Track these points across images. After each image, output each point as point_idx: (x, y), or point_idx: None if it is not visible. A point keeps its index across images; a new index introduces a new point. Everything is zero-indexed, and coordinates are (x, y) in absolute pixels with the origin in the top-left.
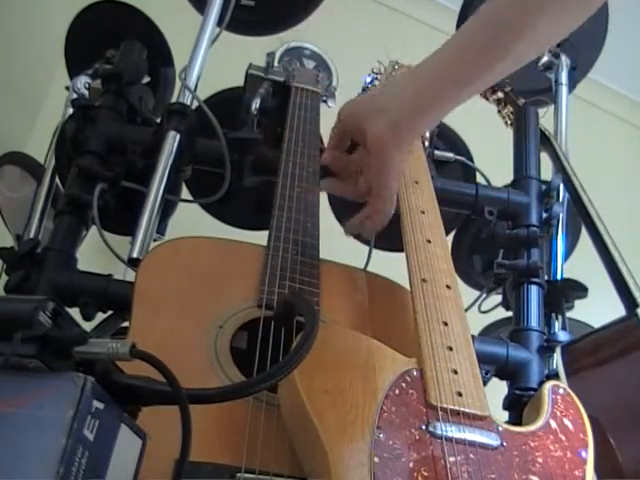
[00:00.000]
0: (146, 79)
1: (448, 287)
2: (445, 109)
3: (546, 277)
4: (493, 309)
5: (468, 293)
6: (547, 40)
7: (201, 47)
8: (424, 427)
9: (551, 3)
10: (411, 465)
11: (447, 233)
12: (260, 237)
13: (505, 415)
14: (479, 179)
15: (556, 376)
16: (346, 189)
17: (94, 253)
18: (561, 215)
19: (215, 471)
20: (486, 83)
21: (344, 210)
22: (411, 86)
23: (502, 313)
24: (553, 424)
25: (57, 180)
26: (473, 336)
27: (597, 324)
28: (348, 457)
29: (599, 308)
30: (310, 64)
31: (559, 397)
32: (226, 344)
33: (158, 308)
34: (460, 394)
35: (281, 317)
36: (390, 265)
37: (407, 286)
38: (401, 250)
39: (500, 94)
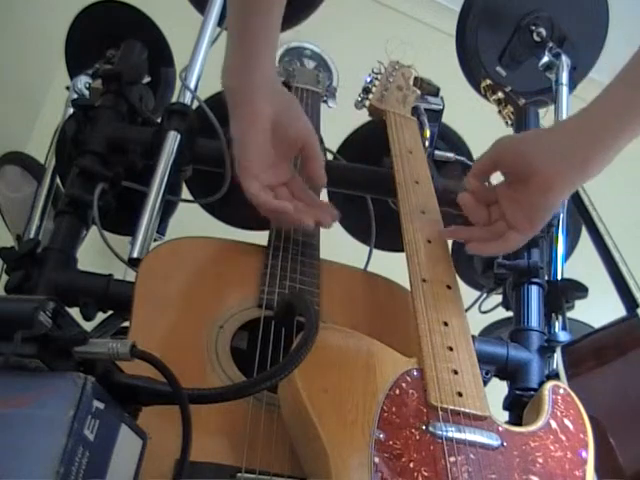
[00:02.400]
0: (146, 79)
1: (448, 287)
2: (622, 146)
3: (546, 277)
4: (493, 309)
5: (468, 293)
6: None
7: (201, 47)
8: (424, 427)
9: None
10: (411, 465)
11: None
12: (260, 237)
13: (505, 415)
14: None
15: (556, 376)
16: (478, 211)
17: (94, 253)
18: (561, 215)
19: (215, 471)
20: None
21: (345, 210)
22: (586, 127)
23: (502, 313)
24: (553, 424)
25: (57, 180)
26: (473, 336)
27: (597, 324)
28: (348, 457)
29: (599, 308)
30: (310, 64)
31: (559, 397)
32: (226, 344)
33: (158, 308)
34: (460, 394)
35: (281, 317)
36: (390, 265)
37: (407, 286)
38: (401, 250)
39: (500, 94)
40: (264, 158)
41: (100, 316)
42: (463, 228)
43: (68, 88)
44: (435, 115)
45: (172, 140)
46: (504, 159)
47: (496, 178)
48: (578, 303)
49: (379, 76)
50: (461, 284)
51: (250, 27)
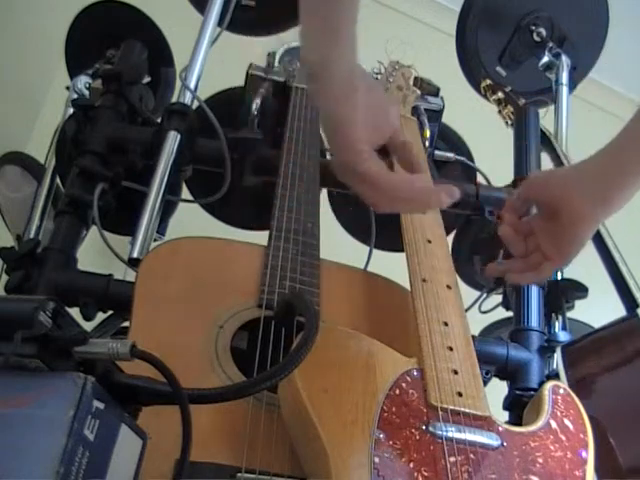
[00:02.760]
0: (146, 79)
1: (448, 287)
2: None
3: None
4: (493, 309)
5: (468, 293)
6: None
7: (201, 47)
8: (424, 427)
9: None
10: (411, 465)
11: (447, 233)
12: (260, 237)
13: (505, 415)
14: (479, 179)
15: (556, 376)
16: (517, 243)
17: (94, 253)
18: None
19: (215, 471)
20: None
21: (345, 211)
22: (614, 162)
23: (502, 313)
24: (553, 424)
25: (57, 180)
26: (473, 336)
27: (597, 324)
28: (348, 457)
29: (599, 308)
30: None
31: (559, 397)
32: (226, 344)
33: (158, 308)
34: (460, 394)
35: (281, 317)
36: (390, 265)
37: (407, 286)
38: (401, 250)
39: (501, 94)
40: (367, 138)
41: (100, 316)
42: (504, 263)
43: (68, 88)
44: (435, 115)
45: (172, 140)
46: (535, 194)
47: None
48: (578, 303)
49: (379, 76)
50: (461, 284)
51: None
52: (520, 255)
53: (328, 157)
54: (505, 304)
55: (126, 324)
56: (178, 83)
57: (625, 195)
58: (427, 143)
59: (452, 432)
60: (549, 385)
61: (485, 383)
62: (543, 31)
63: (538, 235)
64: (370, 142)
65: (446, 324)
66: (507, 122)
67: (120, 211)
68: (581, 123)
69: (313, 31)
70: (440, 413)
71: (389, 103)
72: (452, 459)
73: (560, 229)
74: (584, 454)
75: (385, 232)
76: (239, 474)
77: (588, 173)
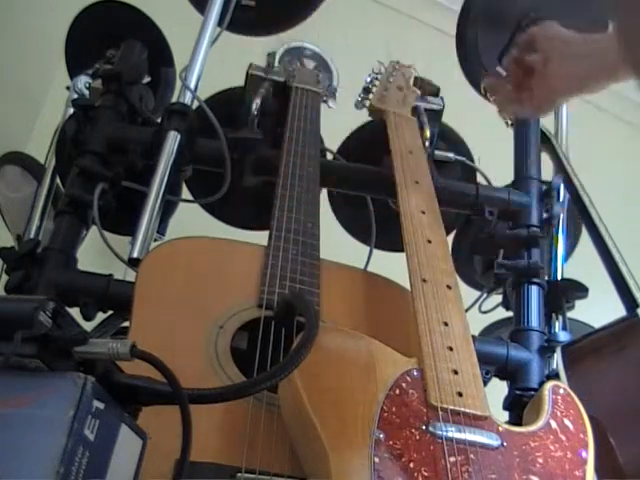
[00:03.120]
0: (146, 79)
1: (448, 287)
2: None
3: (546, 277)
4: (493, 309)
5: (468, 293)
6: None
7: (201, 47)
8: (424, 427)
9: None
10: (411, 465)
11: (447, 233)
12: (260, 237)
13: (505, 415)
14: (479, 179)
15: (556, 376)
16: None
17: (94, 253)
18: (561, 215)
19: (215, 471)
20: None
21: (345, 210)
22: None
23: (502, 313)
24: (553, 424)
25: (57, 180)
26: (473, 336)
27: (597, 324)
28: (348, 457)
29: (599, 308)
30: (310, 64)
31: (559, 397)
32: (226, 344)
33: (158, 308)
34: (460, 394)
35: (281, 317)
36: (390, 265)
37: (407, 286)
38: (401, 250)
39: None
40: None
41: (100, 316)
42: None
43: (68, 88)
44: (435, 115)
45: (172, 140)
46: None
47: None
48: (578, 303)
49: (379, 76)
50: (461, 284)
51: None
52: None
53: (328, 157)
54: (505, 304)
55: (126, 324)
56: (178, 83)
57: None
58: (427, 143)
59: (452, 432)
60: (549, 385)
61: (485, 383)
62: None
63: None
64: None
65: (446, 324)
66: (507, 122)
67: (120, 211)
68: (581, 123)
69: None
70: (440, 413)
71: None
72: (452, 459)
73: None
74: (584, 454)
75: (385, 232)
76: (239, 474)
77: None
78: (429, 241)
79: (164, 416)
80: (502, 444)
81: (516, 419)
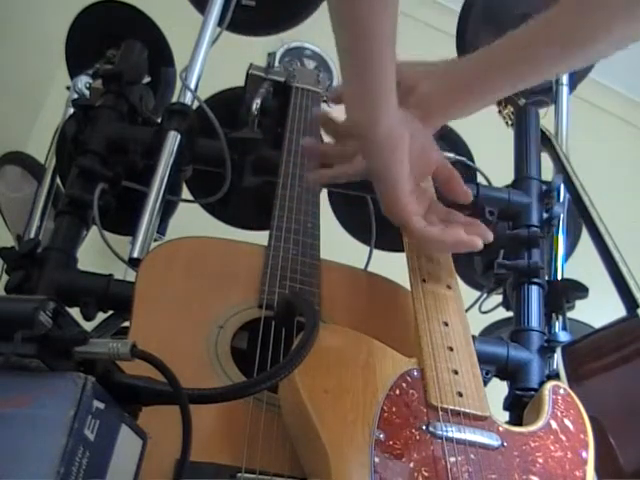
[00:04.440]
0: (147, 79)
1: (448, 287)
2: (479, 98)
3: (547, 277)
4: (494, 309)
5: (469, 293)
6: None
7: (202, 47)
8: (424, 427)
9: (617, 20)
10: (411, 465)
11: None
12: (260, 237)
13: (506, 415)
14: (480, 179)
15: (557, 376)
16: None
17: (94, 253)
18: (562, 215)
19: (216, 471)
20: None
21: (345, 210)
22: (450, 70)
23: (503, 313)
24: (554, 424)
25: (58, 180)
26: (473, 336)
27: (598, 324)
28: (348, 457)
29: (600, 308)
30: (311, 64)
31: (559, 397)
32: (226, 344)
33: (159, 308)
34: (460, 394)
35: (281, 317)
36: (390, 265)
37: (407, 286)
38: (401, 250)
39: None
40: (413, 188)
41: (100, 316)
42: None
43: (68, 88)
44: None
45: (172, 140)
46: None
47: None
48: (578, 303)
49: None
50: (461, 284)
51: (362, 55)
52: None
53: None
54: (505, 304)
55: (126, 324)
56: (178, 83)
57: (467, 98)
58: None
59: (452, 432)
60: (549, 385)
61: (485, 383)
62: None
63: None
64: (414, 185)
65: (446, 324)
66: (507, 122)
67: (120, 211)
68: (581, 123)
69: (356, 96)
70: (440, 413)
71: (431, 146)
72: (452, 459)
73: None
74: (584, 454)
75: (385, 232)
76: (239, 474)
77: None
78: None
79: (164, 416)
80: (502, 444)
81: (516, 419)
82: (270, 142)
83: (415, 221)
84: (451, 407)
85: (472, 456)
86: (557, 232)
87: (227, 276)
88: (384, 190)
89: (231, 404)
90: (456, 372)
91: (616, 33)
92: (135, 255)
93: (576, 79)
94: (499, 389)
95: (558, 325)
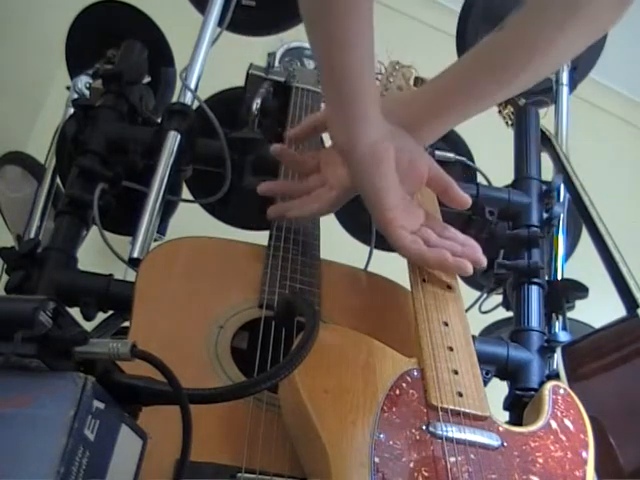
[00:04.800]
0: (147, 79)
1: (449, 287)
2: (452, 119)
3: (547, 277)
4: (494, 309)
5: (468, 293)
6: (562, 58)
7: (202, 47)
8: (424, 427)
9: (570, 24)
10: (411, 465)
11: None
12: (260, 237)
13: (506, 415)
14: (480, 179)
15: (557, 376)
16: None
17: (94, 253)
18: (562, 215)
19: (216, 471)
20: (495, 98)
21: (345, 210)
22: (421, 95)
23: (503, 313)
24: (554, 424)
25: (58, 180)
26: (473, 336)
27: (597, 324)
28: (348, 457)
29: (600, 308)
30: (311, 64)
31: (560, 397)
32: (227, 344)
33: (159, 308)
34: (461, 394)
35: (282, 317)
36: (390, 265)
37: (407, 286)
38: None
39: None
40: (401, 202)
41: (100, 316)
42: (282, 205)
43: (68, 88)
44: None
45: (172, 140)
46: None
47: None
48: (578, 303)
49: (379, 76)
50: (461, 284)
51: (341, 73)
52: (299, 194)
53: None
54: (505, 304)
55: (126, 324)
56: (178, 83)
57: (439, 121)
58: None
59: (452, 432)
60: (549, 385)
61: (485, 383)
62: None
63: (325, 169)
64: (403, 198)
65: (446, 324)
66: (507, 122)
67: (120, 211)
68: (581, 123)
69: (338, 116)
70: (440, 413)
71: (420, 158)
72: (452, 459)
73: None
74: (584, 454)
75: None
76: (239, 474)
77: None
78: None
79: (164, 416)
80: (502, 444)
81: (516, 419)
82: (270, 142)
83: (401, 236)
84: (451, 407)
85: (472, 456)
86: (557, 232)
87: (227, 276)
88: (371, 205)
89: (231, 404)
90: (456, 372)
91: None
92: (135, 255)
93: (576, 79)
94: (499, 389)
95: (558, 325)
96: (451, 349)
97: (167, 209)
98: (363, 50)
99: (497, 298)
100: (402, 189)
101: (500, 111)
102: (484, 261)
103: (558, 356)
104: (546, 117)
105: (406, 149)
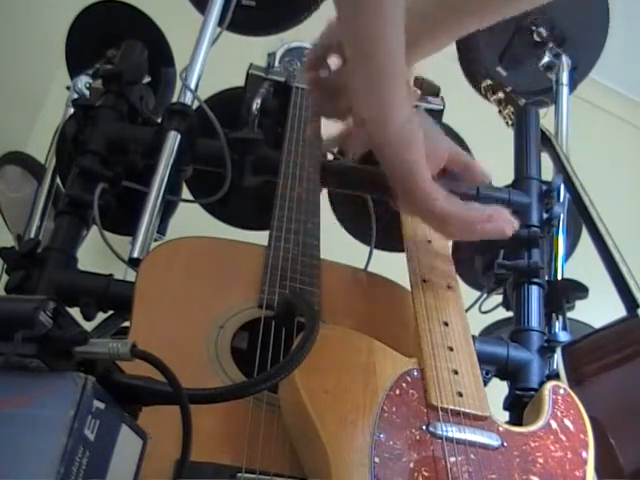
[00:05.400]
0: (147, 79)
1: (449, 287)
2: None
3: (547, 277)
4: (494, 309)
5: (469, 293)
6: None
7: (202, 47)
8: (424, 427)
9: None
10: (412, 465)
11: None
12: (260, 237)
13: (506, 415)
14: None
15: (557, 376)
16: (326, 108)
17: (95, 253)
18: (562, 215)
19: (216, 471)
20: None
21: (345, 210)
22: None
23: (503, 313)
24: (554, 424)
25: (58, 180)
26: (474, 336)
27: (598, 324)
28: (348, 457)
29: (600, 308)
30: None
31: (560, 397)
32: (227, 344)
33: (159, 308)
34: (461, 394)
35: (282, 317)
36: (390, 265)
37: (407, 286)
38: (402, 250)
39: (501, 94)
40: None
41: (100, 316)
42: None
43: (68, 88)
44: (436, 115)
45: (172, 140)
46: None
47: None
48: (579, 303)
49: None
50: (461, 284)
51: (381, 50)
52: (332, 116)
53: (329, 157)
54: (505, 304)
55: (126, 324)
56: (178, 83)
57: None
58: None
59: (452, 432)
60: (549, 385)
61: (485, 383)
62: (543, 31)
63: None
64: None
65: (446, 324)
66: (507, 122)
67: (120, 211)
68: (581, 123)
69: (370, 97)
70: (440, 413)
71: (438, 136)
72: (452, 459)
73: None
74: (584, 454)
75: (385, 232)
76: (239, 474)
77: None
78: (429, 241)
79: (164, 416)
80: (502, 444)
81: (516, 419)
82: (270, 142)
83: (444, 203)
84: (451, 407)
85: (472, 456)
86: (557, 232)
87: (227, 276)
88: (403, 181)
89: (231, 404)
90: (456, 372)
91: None
92: (135, 255)
93: (576, 79)
94: (499, 389)
95: (558, 325)
96: (451, 349)
97: (167, 209)
98: (401, 28)
99: (497, 298)
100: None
101: (500, 111)
102: (516, 223)
103: (558, 356)
104: (546, 117)
105: (429, 130)
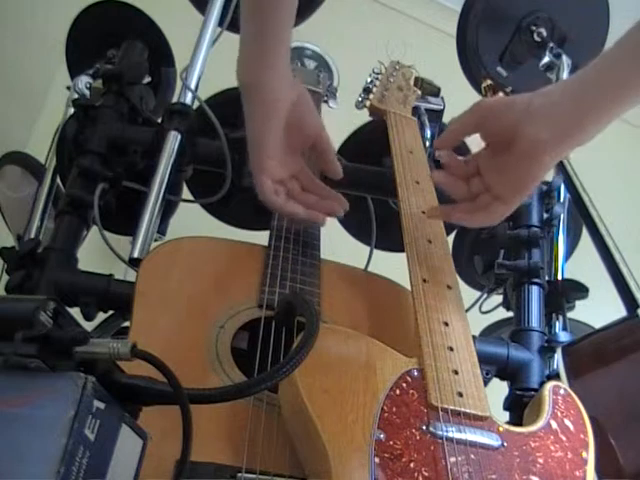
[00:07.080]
0: (147, 79)
1: (449, 287)
2: (619, 114)
3: (547, 277)
4: (494, 309)
5: (469, 293)
6: None
7: (202, 47)
8: (425, 427)
9: None
10: (412, 465)
11: (448, 233)
12: (260, 237)
13: (506, 415)
14: None
15: (557, 377)
16: (456, 187)
17: (95, 253)
18: (562, 215)
19: (216, 471)
20: None
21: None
22: (586, 93)
23: (503, 313)
24: (554, 424)
25: (58, 180)
26: (474, 336)
27: (598, 325)
28: (349, 457)
29: (600, 308)
30: (311, 64)
31: (560, 397)
32: (227, 344)
33: (159, 308)
34: (461, 394)
35: (282, 317)
36: (390, 265)
37: (408, 286)
38: (402, 250)
39: (501, 94)
40: (279, 154)
41: (101, 316)
42: (446, 207)
43: (69, 88)
44: (436, 115)
45: (173, 140)
46: (488, 121)
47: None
48: (579, 303)
49: (380, 76)
50: (461, 284)
51: (262, 22)
52: (462, 199)
53: None
54: (506, 304)
55: (127, 324)
56: (179, 83)
57: (599, 125)
58: (427, 143)
59: (452, 432)
60: (549, 385)
61: (485, 383)
62: (544, 31)
63: (485, 173)
64: (284, 152)
65: (446, 324)
66: None
67: (121, 211)
68: None
69: (248, 55)
70: (440, 413)
71: (311, 116)
72: (453, 459)
73: (514, 164)
74: (584, 454)
75: (385, 232)
76: (239, 474)
77: (559, 100)
78: (429, 241)
79: (165, 416)
80: (502, 444)
81: (516, 419)
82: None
83: (266, 186)
84: (451, 407)
85: (472, 456)
86: (557, 232)
87: (227, 276)
88: (253, 146)
89: (231, 404)
90: (456, 372)
91: None
92: (135, 255)
93: None
94: (499, 389)
95: (558, 325)
96: (451, 349)
97: (167, 209)
98: (288, 8)
99: (497, 298)
100: (286, 142)
101: None
102: (339, 211)
103: (558, 356)
104: None
105: (303, 106)
